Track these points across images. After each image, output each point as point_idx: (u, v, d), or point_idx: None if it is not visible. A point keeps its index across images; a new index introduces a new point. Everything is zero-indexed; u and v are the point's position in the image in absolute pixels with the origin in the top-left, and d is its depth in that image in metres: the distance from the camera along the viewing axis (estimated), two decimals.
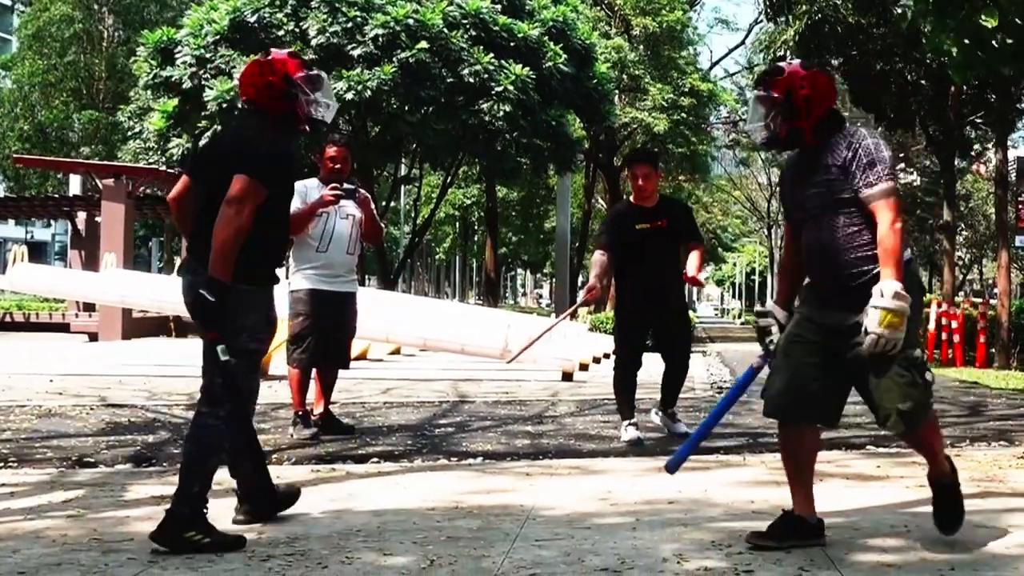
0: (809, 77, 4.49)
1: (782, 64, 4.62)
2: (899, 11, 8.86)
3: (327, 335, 7.77)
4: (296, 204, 7.51)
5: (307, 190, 7.56)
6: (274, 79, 4.84)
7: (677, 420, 8.06)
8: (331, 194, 7.16)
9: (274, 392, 10.30)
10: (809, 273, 4.65)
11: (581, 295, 8.10)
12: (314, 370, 7.88)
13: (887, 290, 4.13)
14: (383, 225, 8.69)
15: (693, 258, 7.83)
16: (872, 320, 4.14)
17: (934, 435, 4.61)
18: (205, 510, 4.50)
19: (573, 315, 6.91)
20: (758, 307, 4.98)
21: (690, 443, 5.10)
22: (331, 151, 7.67)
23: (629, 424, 7.71)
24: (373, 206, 7.76)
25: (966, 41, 8.19)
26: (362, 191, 7.63)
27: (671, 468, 4.94)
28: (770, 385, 4.57)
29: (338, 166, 7.64)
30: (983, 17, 7.97)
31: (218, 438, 4.60)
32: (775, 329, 4.70)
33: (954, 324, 18.96)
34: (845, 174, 4.35)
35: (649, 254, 7.70)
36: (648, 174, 7.78)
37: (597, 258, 7.85)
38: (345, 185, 7.32)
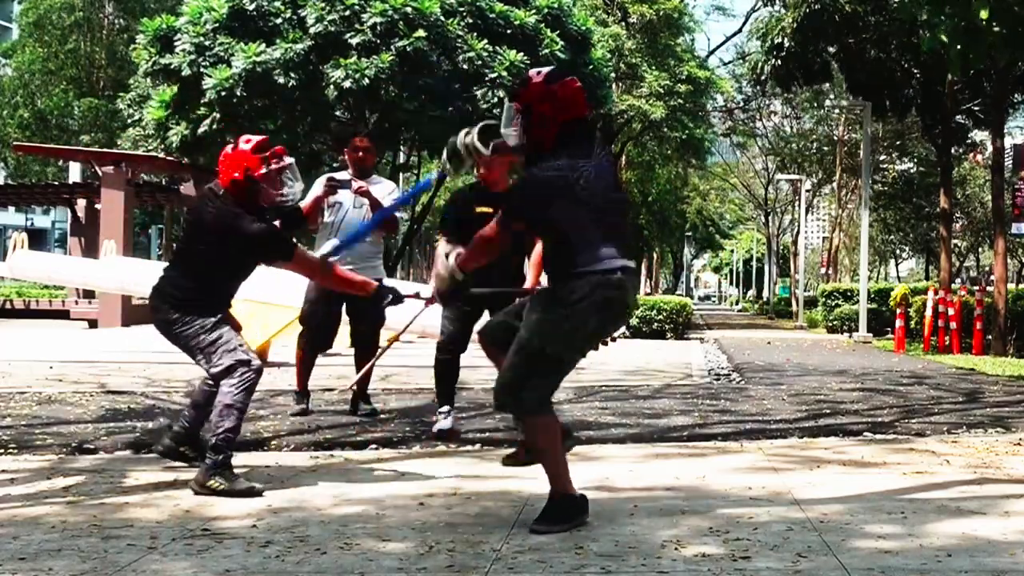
0: (546, 90, 4.56)
1: (531, 75, 4.71)
2: (897, 2, 8.90)
3: (353, 323, 8.22)
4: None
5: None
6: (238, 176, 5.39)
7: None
8: (325, 187, 7.58)
9: (272, 379, 10.32)
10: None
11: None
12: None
13: None
14: (395, 215, 8.82)
15: (533, 262, 7.24)
16: None
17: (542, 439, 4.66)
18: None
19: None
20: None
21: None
22: (355, 141, 8.16)
23: (442, 411, 7.44)
24: (375, 196, 7.82)
25: (961, 23, 8.22)
26: (358, 182, 7.79)
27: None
28: None
29: (359, 154, 8.05)
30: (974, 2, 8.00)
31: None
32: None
33: (951, 311, 19.02)
34: None
35: None
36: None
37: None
38: (338, 176, 7.89)
